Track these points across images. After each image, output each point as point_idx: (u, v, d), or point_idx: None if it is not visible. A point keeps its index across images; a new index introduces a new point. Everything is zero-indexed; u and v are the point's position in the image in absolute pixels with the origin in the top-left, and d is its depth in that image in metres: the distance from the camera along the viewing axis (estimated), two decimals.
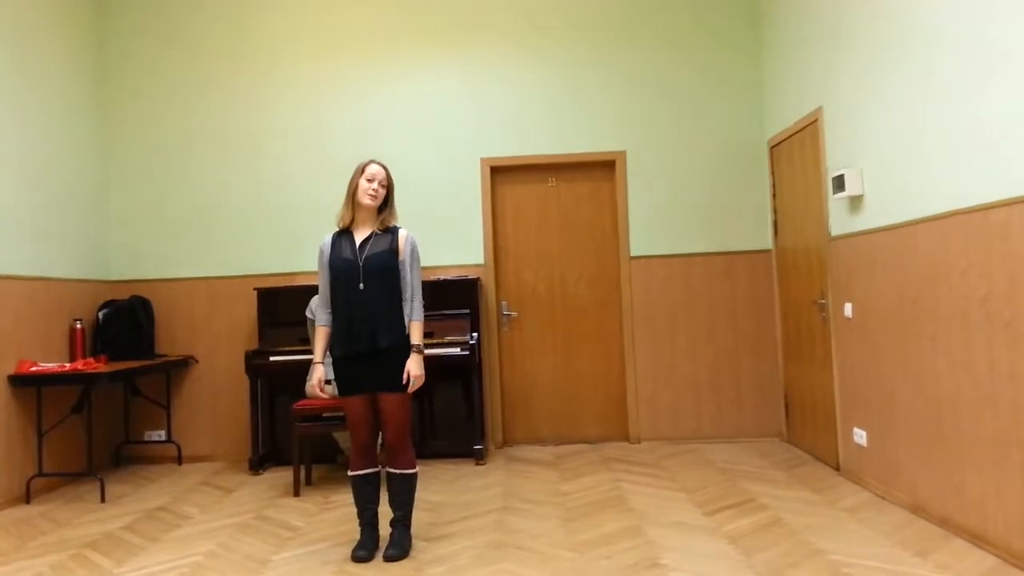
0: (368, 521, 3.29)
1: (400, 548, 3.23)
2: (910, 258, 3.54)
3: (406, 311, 3.25)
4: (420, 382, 3.21)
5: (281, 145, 5.53)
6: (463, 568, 3.10)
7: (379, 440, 4.95)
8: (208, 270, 5.50)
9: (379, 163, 3.28)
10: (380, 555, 3.25)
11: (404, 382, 3.18)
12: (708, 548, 3.22)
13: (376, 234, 3.27)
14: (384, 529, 3.45)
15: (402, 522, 3.30)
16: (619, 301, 5.48)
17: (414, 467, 3.28)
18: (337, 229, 3.33)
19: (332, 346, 3.26)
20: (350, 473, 3.26)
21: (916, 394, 3.54)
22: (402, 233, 3.30)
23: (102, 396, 5.28)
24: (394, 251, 3.25)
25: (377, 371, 3.18)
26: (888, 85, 3.70)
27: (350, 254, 3.22)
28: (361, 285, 3.18)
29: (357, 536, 3.45)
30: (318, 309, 3.32)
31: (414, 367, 3.19)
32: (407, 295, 3.26)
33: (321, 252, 3.30)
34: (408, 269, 3.26)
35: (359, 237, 3.27)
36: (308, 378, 4.51)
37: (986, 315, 3.01)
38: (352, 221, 3.29)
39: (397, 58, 5.53)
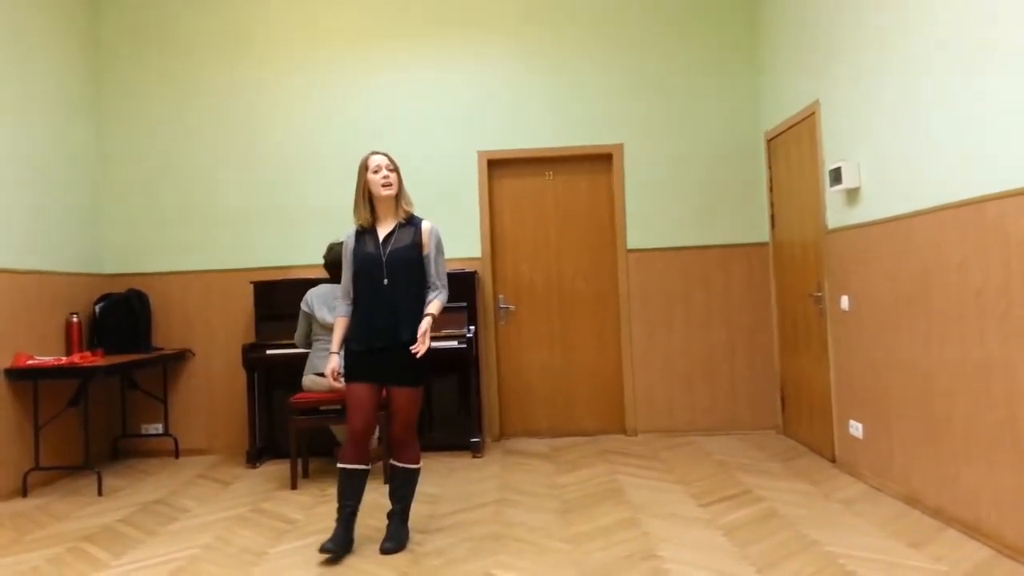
0: (346, 518, 3.19)
1: (397, 541, 3.23)
2: (906, 251, 3.54)
3: (430, 297, 3.23)
4: (425, 342, 3.12)
5: (277, 138, 5.52)
6: (460, 560, 3.11)
7: (376, 434, 4.95)
8: (204, 264, 5.49)
9: (379, 151, 3.27)
10: (366, 551, 3.22)
11: (414, 350, 3.10)
12: (704, 540, 3.23)
13: (400, 226, 3.24)
14: (369, 528, 3.44)
15: (400, 515, 3.29)
16: (616, 294, 5.49)
17: (418, 462, 3.28)
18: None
19: (350, 338, 3.23)
20: (339, 465, 3.18)
21: (911, 386, 3.55)
22: (425, 226, 3.27)
23: (99, 389, 5.28)
24: (417, 245, 3.23)
25: (392, 364, 3.16)
26: (885, 78, 3.70)
27: (373, 249, 3.20)
28: (385, 280, 3.17)
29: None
30: (339, 300, 3.32)
31: (423, 326, 3.12)
32: (433, 284, 3.25)
33: (345, 245, 3.28)
34: (433, 262, 3.25)
35: (382, 231, 3.24)
36: (305, 371, 4.51)
37: (981, 308, 3.01)
38: (373, 218, 3.26)
39: (394, 51, 5.51)
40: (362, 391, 3.17)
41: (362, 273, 3.20)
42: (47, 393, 4.67)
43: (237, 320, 5.44)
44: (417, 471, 3.29)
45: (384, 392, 3.25)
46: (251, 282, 5.24)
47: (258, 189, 5.51)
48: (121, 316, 5.17)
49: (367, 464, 3.22)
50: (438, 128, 5.49)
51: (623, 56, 5.47)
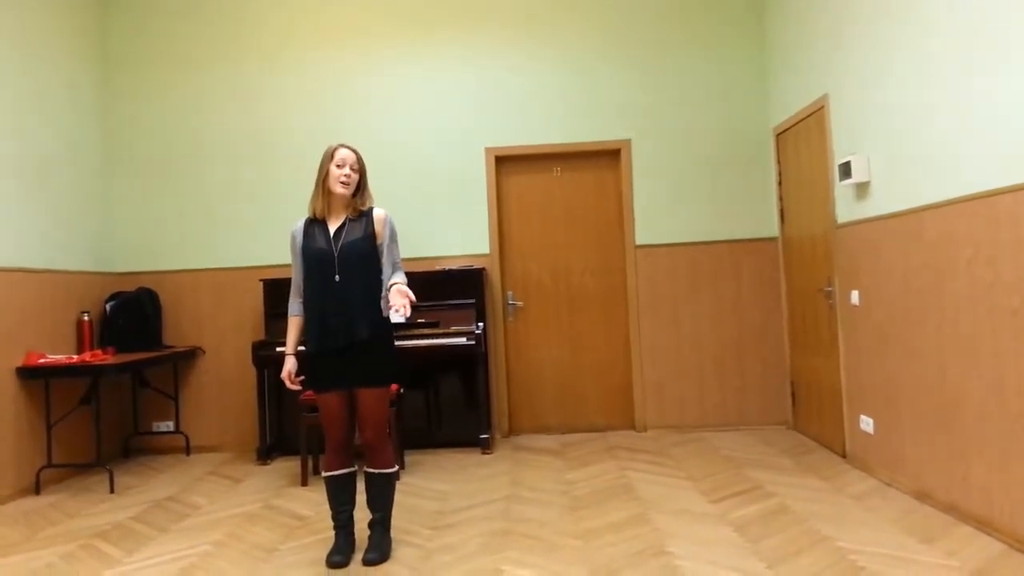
0: (343, 524, 3.12)
1: (380, 552, 3.07)
2: (917, 245, 3.52)
3: (390, 275, 3.06)
4: (407, 302, 2.84)
5: (286, 135, 5.53)
6: (470, 556, 3.12)
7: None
8: (214, 262, 5.51)
9: (349, 147, 3.07)
10: (359, 559, 3.10)
11: (395, 308, 2.83)
12: (714, 535, 3.22)
13: (350, 219, 3.07)
14: (362, 532, 3.29)
15: (381, 524, 3.14)
16: (624, 290, 5.48)
17: (394, 466, 3.12)
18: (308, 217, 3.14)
19: (306, 340, 3.05)
20: (324, 474, 3.09)
21: (922, 381, 3.53)
22: (378, 214, 3.10)
23: (110, 387, 5.31)
24: (370, 236, 3.06)
25: (355, 365, 3.00)
26: (894, 72, 3.67)
27: (324, 243, 3.03)
28: (337, 276, 2.99)
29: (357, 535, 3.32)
30: (291, 299, 3.17)
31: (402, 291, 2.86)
32: (388, 272, 3.08)
33: (293, 239, 3.12)
34: (387, 251, 3.09)
35: (332, 225, 3.07)
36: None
37: (992, 302, 2.99)
38: (325, 209, 3.09)
39: (401, 47, 5.51)
40: (333, 401, 3.03)
41: (312, 269, 3.02)
42: (59, 391, 4.70)
43: (247, 318, 5.46)
44: (394, 475, 3.12)
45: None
46: (261, 280, 5.26)
47: (268, 186, 5.52)
48: (132, 314, 5.20)
49: (353, 467, 3.14)
50: (446, 124, 5.49)
51: (631, 51, 5.45)
